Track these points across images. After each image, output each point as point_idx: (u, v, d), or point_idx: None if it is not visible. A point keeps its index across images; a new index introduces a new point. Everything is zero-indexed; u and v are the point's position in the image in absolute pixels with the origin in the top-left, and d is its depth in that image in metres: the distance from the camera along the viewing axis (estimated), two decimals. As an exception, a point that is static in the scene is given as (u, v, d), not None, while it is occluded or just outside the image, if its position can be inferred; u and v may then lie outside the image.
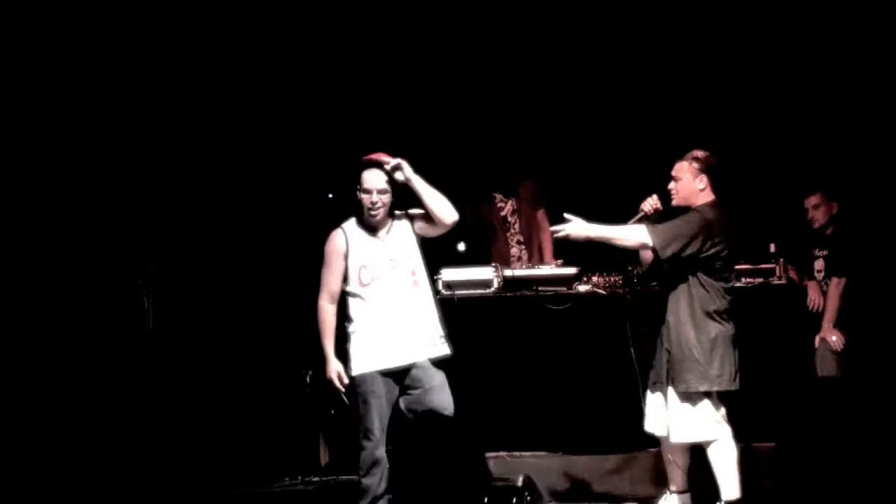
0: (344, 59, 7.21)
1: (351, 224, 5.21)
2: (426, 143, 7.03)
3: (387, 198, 5.11)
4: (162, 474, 6.12)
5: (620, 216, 5.31)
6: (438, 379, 5.05)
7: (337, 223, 5.22)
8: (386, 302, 5.11)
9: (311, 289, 6.92)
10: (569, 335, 6.05)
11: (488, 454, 6.04)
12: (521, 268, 6.43)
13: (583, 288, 6.16)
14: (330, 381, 5.10)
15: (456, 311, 5.86)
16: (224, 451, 6.39)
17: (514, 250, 6.96)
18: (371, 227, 5.16)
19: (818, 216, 6.37)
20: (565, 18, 7.05)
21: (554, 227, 5.20)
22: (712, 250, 5.05)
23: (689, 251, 5.04)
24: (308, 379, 6.58)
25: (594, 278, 6.22)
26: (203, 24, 6.89)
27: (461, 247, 7.40)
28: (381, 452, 5.06)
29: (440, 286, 6.10)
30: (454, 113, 7.44)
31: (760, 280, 6.17)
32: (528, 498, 5.63)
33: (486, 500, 5.50)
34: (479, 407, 5.83)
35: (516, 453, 6.06)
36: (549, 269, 6.30)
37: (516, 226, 6.98)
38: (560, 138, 7.43)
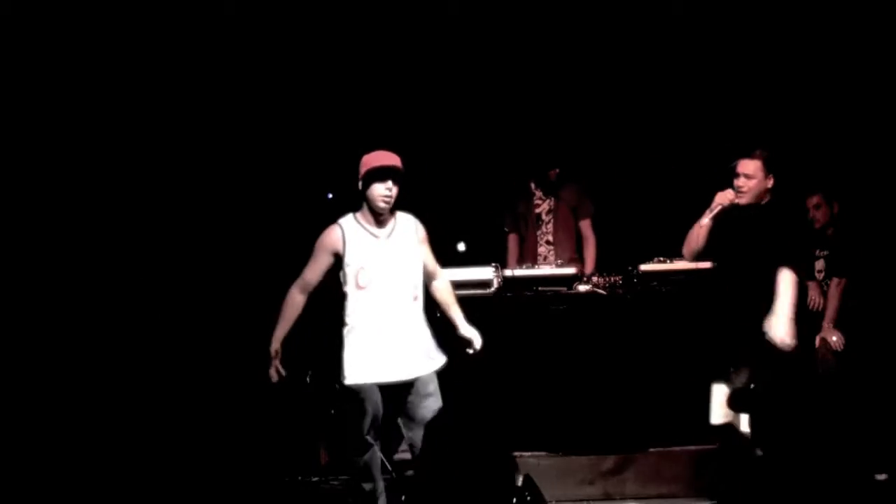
0: (379, 53, 7.18)
1: (349, 221, 4.97)
2: (471, 136, 7.08)
3: (396, 190, 4.90)
4: (161, 475, 6.11)
5: (666, 222, 5.34)
6: (432, 387, 4.95)
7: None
8: (384, 307, 4.91)
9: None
10: (569, 335, 6.05)
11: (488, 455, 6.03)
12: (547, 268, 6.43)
13: (583, 288, 6.15)
14: (270, 360, 4.94)
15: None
16: (224, 452, 6.38)
17: (542, 249, 6.86)
18: (374, 226, 4.94)
19: (819, 216, 6.37)
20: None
21: (779, 340, 5.09)
22: None
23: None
24: (308, 379, 6.58)
25: (594, 278, 6.22)
26: (203, 23, 6.89)
27: (461, 247, 7.39)
28: (377, 455, 5.04)
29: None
30: (502, 107, 7.41)
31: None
32: (528, 498, 5.62)
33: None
34: (478, 407, 5.83)
35: (516, 453, 6.06)
36: (549, 269, 6.30)
37: (549, 225, 6.87)
38: (604, 143, 7.37)
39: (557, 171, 6.84)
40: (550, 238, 6.87)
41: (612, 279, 6.16)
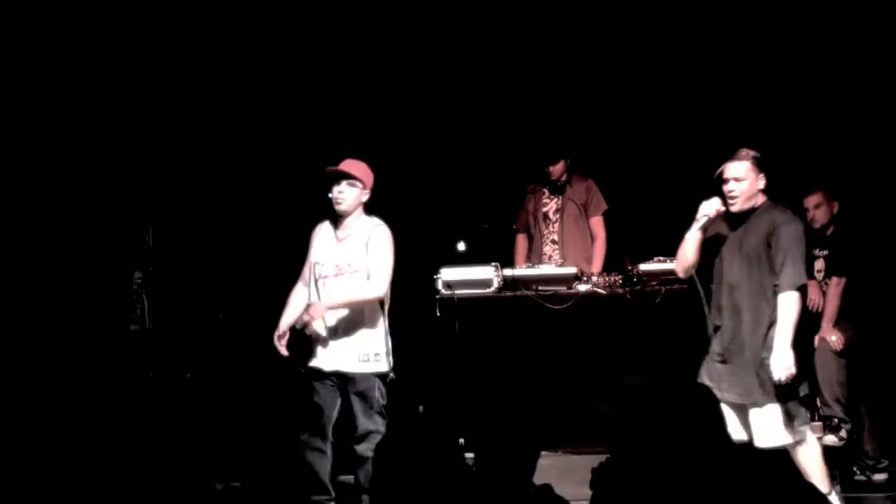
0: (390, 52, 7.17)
1: (328, 221, 5.32)
2: (476, 135, 7.08)
3: (349, 191, 5.17)
4: (161, 474, 6.11)
5: (679, 216, 5.28)
6: (361, 386, 5.16)
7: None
8: None
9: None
10: (569, 335, 6.04)
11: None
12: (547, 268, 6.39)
13: (583, 288, 6.14)
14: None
15: (456, 311, 5.86)
16: (224, 451, 6.38)
17: (548, 248, 6.78)
18: (336, 227, 5.25)
19: (819, 216, 6.34)
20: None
21: (776, 379, 4.76)
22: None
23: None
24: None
25: (594, 278, 6.21)
26: (202, 21, 6.88)
27: (461, 247, 7.38)
28: (313, 446, 5.24)
29: (440, 286, 6.09)
30: (504, 106, 7.38)
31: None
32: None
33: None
34: (477, 406, 5.82)
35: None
36: (549, 269, 6.29)
37: (555, 225, 6.79)
38: (603, 143, 7.30)
39: (561, 167, 6.74)
40: (556, 237, 6.79)
41: (612, 279, 6.15)
